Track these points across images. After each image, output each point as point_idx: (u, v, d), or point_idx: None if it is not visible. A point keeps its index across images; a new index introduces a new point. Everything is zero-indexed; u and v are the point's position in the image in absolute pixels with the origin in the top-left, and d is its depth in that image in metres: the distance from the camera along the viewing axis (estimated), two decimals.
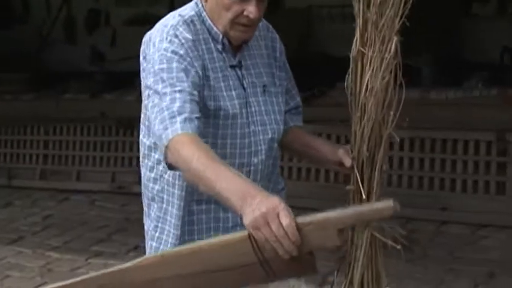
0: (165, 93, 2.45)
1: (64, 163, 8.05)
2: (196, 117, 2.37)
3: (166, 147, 2.34)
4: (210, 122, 2.53)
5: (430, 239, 5.81)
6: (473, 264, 5.26)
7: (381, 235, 2.42)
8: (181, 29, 2.53)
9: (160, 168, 2.64)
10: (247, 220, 2.10)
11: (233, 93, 2.56)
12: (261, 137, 2.61)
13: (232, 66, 2.59)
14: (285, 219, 2.06)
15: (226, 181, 2.19)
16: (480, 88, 6.77)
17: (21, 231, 6.68)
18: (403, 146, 6.51)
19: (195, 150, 2.28)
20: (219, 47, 2.56)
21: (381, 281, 2.47)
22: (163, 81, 2.48)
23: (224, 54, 2.57)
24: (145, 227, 2.91)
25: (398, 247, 2.43)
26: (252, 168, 2.59)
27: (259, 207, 2.08)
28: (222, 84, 2.55)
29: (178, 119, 2.35)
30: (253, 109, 2.60)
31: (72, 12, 9.44)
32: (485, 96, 6.59)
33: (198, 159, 2.25)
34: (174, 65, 2.47)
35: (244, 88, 2.59)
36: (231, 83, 2.56)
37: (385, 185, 6.37)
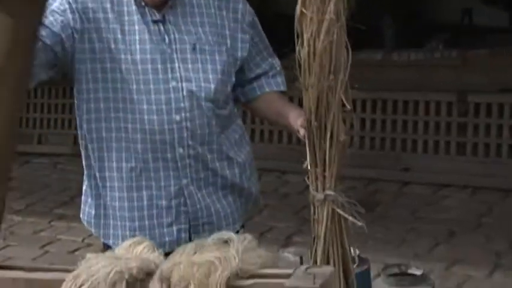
0: None
1: (25, 125, 7.99)
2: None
3: None
4: (124, 78, 2.56)
5: (392, 200, 5.88)
6: (434, 223, 5.34)
7: (342, 210, 2.39)
8: None
9: None
10: None
11: (147, 47, 2.57)
12: (184, 94, 2.58)
13: (155, 22, 2.59)
14: None
15: None
16: (441, 50, 6.82)
17: None
18: (365, 108, 6.56)
19: None
20: (138, 2, 2.59)
21: (347, 256, 2.48)
22: None
23: (147, 9, 2.58)
24: None
25: (360, 224, 2.40)
26: (175, 125, 2.57)
27: None
28: (137, 37, 2.57)
29: None
30: (176, 65, 2.58)
31: None
32: (446, 58, 6.64)
33: None
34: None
35: (166, 44, 2.58)
36: (147, 37, 2.57)
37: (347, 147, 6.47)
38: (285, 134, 6.77)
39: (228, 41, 2.66)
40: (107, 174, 2.73)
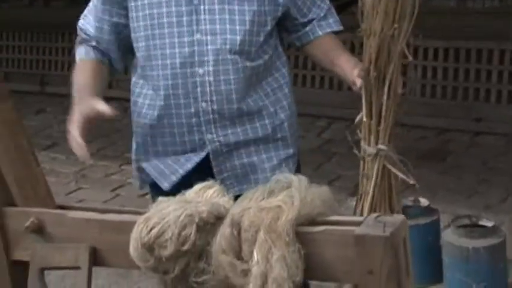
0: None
1: None
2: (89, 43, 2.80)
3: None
4: (148, 32, 2.57)
5: (463, 150, 5.81)
6: (506, 174, 5.27)
7: (394, 167, 2.34)
8: None
9: None
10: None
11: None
12: (208, 47, 2.54)
13: None
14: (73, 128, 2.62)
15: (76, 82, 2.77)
16: None
17: (54, 138, 6.77)
18: (437, 56, 6.45)
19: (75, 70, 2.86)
20: None
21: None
22: None
23: None
24: None
25: (411, 182, 2.35)
26: (198, 79, 2.55)
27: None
28: None
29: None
30: (202, 17, 2.54)
31: None
32: None
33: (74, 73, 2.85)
34: None
35: None
36: None
37: (419, 95, 6.40)
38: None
39: None
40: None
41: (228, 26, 2.53)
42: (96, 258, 2.29)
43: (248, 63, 2.57)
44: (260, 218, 1.96)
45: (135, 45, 2.64)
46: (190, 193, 2.18)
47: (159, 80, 2.60)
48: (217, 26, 2.53)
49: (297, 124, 2.80)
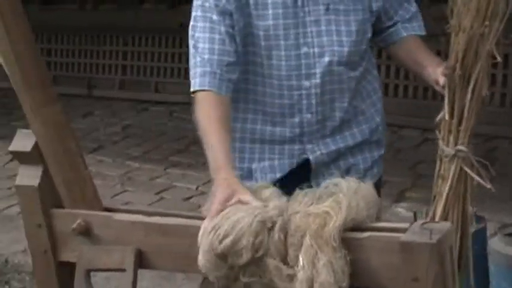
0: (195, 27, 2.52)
1: (143, 74, 8.13)
2: (216, 72, 2.42)
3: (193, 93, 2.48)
4: (254, 42, 2.50)
5: (510, 158, 5.74)
6: None
7: (472, 169, 2.28)
8: None
9: None
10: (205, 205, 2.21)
11: (280, 11, 2.47)
12: (316, 59, 2.50)
13: None
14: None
15: (209, 152, 2.33)
16: None
17: (101, 141, 6.83)
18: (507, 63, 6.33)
19: (203, 115, 2.44)
20: None
21: (466, 218, 2.36)
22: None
23: None
24: None
25: (489, 186, 2.31)
26: (304, 92, 2.52)
27: (220, 185, 2.19)
28: (269, 0, 2.47)
29: (199, 72, 2.44)
30: (308, 29, 2.49)
31: None
32: None
33: (203, 123, 2.43)
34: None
35: (298, 6, 2.48)
36: (279, 0, 2.46)
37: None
38: (400, 89, 6.68)
39: None
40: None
41: (335, 38, 2.50)
42: (141, 261, 2.30)
43: (352, 73, 2.55)
44: (306, 223, 1.96)
45: (251, 58, 2.54)
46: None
47: (265, 87, 2.55)
48: (324, 38, 2.49)
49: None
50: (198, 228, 2.18)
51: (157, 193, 5.68)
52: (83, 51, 8.51)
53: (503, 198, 4.97)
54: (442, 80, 2.31)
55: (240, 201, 2.12)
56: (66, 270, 2.40)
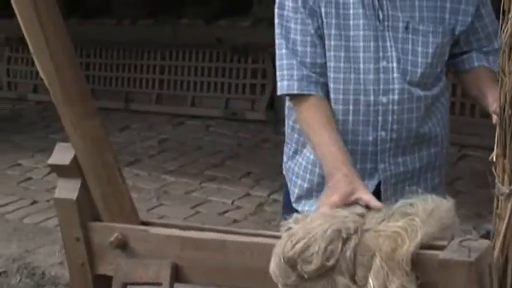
0: (281, 25, 2.50)
1: (179, 88, 8.16)
2: (311, 75, 2.45)
3: (286, 96, 2.54)
4: (336, 55, 2.46)
5: None
6: None
7: None
8: None
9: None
10: (319, 200, 2.27)
11: (361, 22, 2.43)
12: (395, 75, 2.45)
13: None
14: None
15: (322, 149, 2.36)
16: None
17: (138, 154, 6.85)
18: None
19: (308, 117, 2.45)
20: None
21: None
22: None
23: None
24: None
25: None
26: (381, 107, 2.46)
27: (335, 188, 2.21)
28: (351, 11, 2.44)
29: (297, 74, 2.45)
30: (388, 44, 2.44)
31: None
32: None
33: (310, 125, 2.43)
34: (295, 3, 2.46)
35: (379, 20, 2.43)
36: (361, 11, 2.43)
37: None
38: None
39: (447, 16, 2.46)
40: None
41: (410, 57, 2.45)
42: (177, 275, 2.31)
43: (425, 93, 2.50)
44: (377, 244, 1.93)
45: (333, 64, 2.50)
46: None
47: (338, 104, 2.50)
48: (401, 55, 2.45)
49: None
50: (233, 242, 2.18)
51: (193, 207, 5.68)
52: (120, 66, 8.56)
53: None
54: (494, 118, 2.25)
55: (359, 199, 2.14)
56: (103, 283, 2.41)
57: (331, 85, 2.49)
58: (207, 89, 8.00)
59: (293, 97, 2.51)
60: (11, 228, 5.55)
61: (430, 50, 2.45)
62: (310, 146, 2.47)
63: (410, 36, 2.44)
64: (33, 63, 2.31)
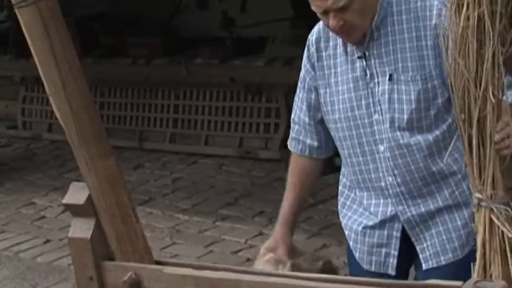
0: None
1: (193, 127, 8.18)
2: (299, 138, 2.89)
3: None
4: (334, 117, 2.74)
5: None
6: None
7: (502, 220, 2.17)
8: (315, 36, 2.78)
9: None
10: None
11: (351, 85, 2.68)
12: (387, 125, 2.64)
13: (360, 57, 2.66)
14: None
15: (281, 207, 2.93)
16: None
17: (151, 193, 6.86)
18: None
19: (290, 172, 2.94)
20: (342, 41, 2.69)
21: (510, 277, 2.20)
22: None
23: (349, 48, 2.68)
24: None
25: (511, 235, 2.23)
26: (381, 155, 2.67)
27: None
28: (340, 78, 2.70)
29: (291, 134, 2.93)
30: (376, 99, 2.65)
31: None
32: None
33: (288, 178, 2.95)
34: (302, 76, 2.86)
35: (366, 76, 2.65)
36: (350, 75, 2.68)
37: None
38: None
39: (426, 62, 2.59)
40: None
41: (396, 105, 2.62)
42: None
43: (420, 137, 2.63)
44: None
45: (331, 125, 2.80)
46: None
47: (352, 157, 2.75)
48: (387, 106, 2.63)
49: None
50: (247, 282, 2.18)
51: (206, 246, 5.68)
52: (135, 105, 8.59)
53: None
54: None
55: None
56: None
57: (339, 143, 2.79)
58: (221, 128, 8.02)
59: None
60: (24, 267, 5.55)
61: (413, 97, 2.60)
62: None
63: (395, 86, 2.62)
64: (48, 103, 2.33)
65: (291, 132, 2.93)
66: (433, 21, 2.57)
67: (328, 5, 2.51)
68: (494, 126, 2.19)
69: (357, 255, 2.87)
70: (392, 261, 2.78)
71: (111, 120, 8.64)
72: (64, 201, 2.41)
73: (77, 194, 2.39)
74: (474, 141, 2.20)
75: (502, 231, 2.20)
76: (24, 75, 8.98)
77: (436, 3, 2.58)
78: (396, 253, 2.77)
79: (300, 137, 2.88)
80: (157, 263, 2.43)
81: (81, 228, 2.41)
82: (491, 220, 2.20)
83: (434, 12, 2.57)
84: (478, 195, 2.22)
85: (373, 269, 2.82)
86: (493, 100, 2.15)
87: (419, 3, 2.61)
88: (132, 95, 8.61)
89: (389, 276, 2.78)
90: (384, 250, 2.78)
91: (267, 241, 2.85)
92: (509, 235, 2.18)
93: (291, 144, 2.92)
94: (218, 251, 5.57)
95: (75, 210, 2.41)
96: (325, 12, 2.55)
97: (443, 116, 2.64)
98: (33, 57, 2.22)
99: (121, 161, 6.97)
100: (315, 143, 2.85)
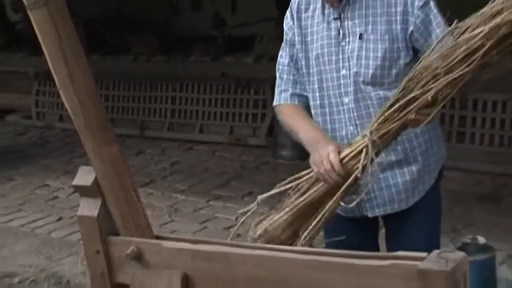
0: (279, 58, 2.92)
1: (189, 117, 8.17)
2: (288, 90, 2.86)
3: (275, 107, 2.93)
4: (309, 71, 2.78)
5: None
6: None
7: None
8: (297, 0, 2.84)
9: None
10: (310, 158, 2.59)
11: (325, 42, 2.72)
12: (351, 80, 2.68)
13: (335, 18, 2.71)
14: (331, 154, 2.51)
15: (303, 132, 2.72)
16: None
17: (152, 176, 6.85)
18: (495, 108, 6.32)
19: (285, 116, 2.85)
20: (321, 4, 2.75)
21: None
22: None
23: (327, 9, 2.73)
24: None
25: None
26: (345, 107, 2.71)
27: (317, 149, 2.56)
28: (315, 36, 2.76)
29: (277, 91, 2.90)
30: (346, 55, 2.69)
31: None
32: None
33: (290, 120, 2.82)
34: (285, 35, 2.89)
35: (339, 36, 2.70)
36: (324, 33, 2.73)
37: (477, 144, 6.27)
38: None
39: (394, 26, 2.65)
40: None
41: (363, 61, 2.66)
42: (187, 284, 2.30)
43: (382, 92, 2.67)
44: None
45: (306, 79, 2.83)
46: None
47: (317, 108, 2.80)
48: (356, 61, 2.67)
49: (436, 143, 2.83)
50: (237, 255, 2.18)
51: (201, 223, 5.68)
52: (136, 97, 8.57)
53: (511, 230, 4.91)
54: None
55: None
56: None
57: (311, 94, 2.81)
58: (214, 117, 8.01)
59: (277, 106, 2.90)
60: (39, 242, 5.54)
61: (379, 54, 2.65)
62: (294, 132, 2.78)
63: (363, 44, 2.66)
64: (58, 96, 2.32)
65: (276, 89, 2.90)
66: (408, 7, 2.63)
67: None
68: (418, 107, 2.39)
69: None
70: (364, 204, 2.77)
71: (115, 111, 8.62)
72: (73, 183, 2.41)
73: (84, 176, 2.39)
74: (398, 103, 2.43)
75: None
76: (37, 70, 8.94)
77: None
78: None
79: (282, 88, 2.87)
80: (157, 237, 2.43)
81: (89, 207, 2.40)
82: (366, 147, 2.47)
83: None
84: (369, 131, 2.48)
85: (344, 214, 2.80)
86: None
87: None
88: (134, 88, 8.59)
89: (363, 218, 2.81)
90: (354, 196, 2.67)
91: (322, 149, 2.59)
92: (364, 162, 2.49)
93: (278, 98, 2.88)
94: (211, 227, 5.57)
95: (83, 191, 2.40)
96: None
97: (403, 78, 2.61)
98: (44, 55, 2.21)
99: (124, 148, 6.97)
100: (297, 91, 2.85)
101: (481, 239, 3.99)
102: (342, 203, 2.60)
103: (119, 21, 9.30)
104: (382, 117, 2.47)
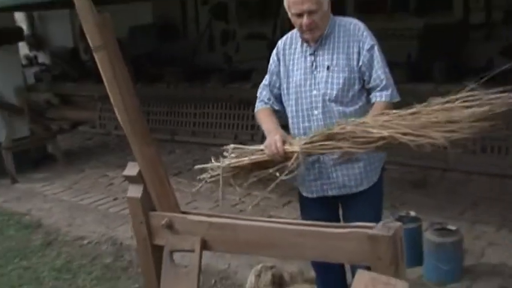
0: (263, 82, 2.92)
1: (206, 127, 8.14)
2: (264, 100, 2.86)
3: (255, 112, 2.92)
4: (289, 92, 2.76)
5: (436, 181, 5.65)
6: (467, 196, 5.10)
7: None
8: (283, 40, 2.83)
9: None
10: (265, 142, 2.58)
11: (301, 71, 2.70)
12: (320, 98, 2.67)
13: (311, 54, 2.70)
14: (278, 142, 2.52)
15: (264, 124, 2.76)
16: None
17: (180, 168, 6.82)
18: None
19: (259, 115, 2.86)
20: (300, 45, 2.73)
21: None
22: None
23: (305, 48, 2.72)
24: None
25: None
26: (315, 116, 2.69)
27: (270, 136, 2.58)
28: (295, 67, 2.73)
29: (258, 101, 2.90)
30: (317, 80, 2.67)
31: (212, 32, 9.48)
32: None
33: (260, 117, 2.84)
34: (270, 66, 2.86)
35: (313, 67, 2.68)
36: (302, 65, 2.70)
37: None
38: None
39: (351, 63, 2.65)
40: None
41: (329, 85, 2.65)
42: (204, 245, 2.29)
43: (342, 108, 2.67)
44: None
45: (286, 97, 2.80)
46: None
47: (294, 117, 2.76)
48: (323, 85, 2.66)
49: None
50: (242, 225, 2.16)
51: (215, 202, 5.65)
52: (168, 113, 8.55)
53: (432, 206, 4.90)
54: None
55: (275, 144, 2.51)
56: (158, 250, 2.40)
57: (289, 108, 2.77)
58: (223, 127, 7.98)
59: (256, 111, 2.90)
60: (101, 215, 5.53)
61: (341, 80, 2.65)
62: (260, 124, 2.81)
63: (330, 73, 2.66)
64: (114, 112, 2.31)
65: (257, 101, 2.92)
66: (359, 38, 2.66)
67: (304, 8, 2.58)
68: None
69: (304, 189, 2.85)
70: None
71: (153, 123, 8.60)
72: (124, 173, 2.40)
73: (132, 169, 2.38)
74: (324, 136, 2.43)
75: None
76: (100, 94, 8.91)
77: (362, 26, 2.69)
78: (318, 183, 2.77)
79: (260, 99, 2.89)
80: (183, 212, 2.42)
81: (135, 191, 2.39)
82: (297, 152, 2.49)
83: (361, 33, 2.66)
84: (303, 142, 2.49)
85: (314, 195, 2.80)
86: None
87: (351, 26, 2.69)
88: (167, 106, 8.57)
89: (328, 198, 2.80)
90: (319, 182, 2.76)
91: (273, 136, 2.61)
92: (293, 161, 2.49)
93: (257, 106, 2.90)
94: (222, 205, 5.54)
95: (130, 179, 2.39)
96: (300, 15, 2.60)
97: (357, 99, 2.69)
98: (104, 83, 2.20)
99: (160, 149, 6.92)
100: (270, 102, 2.85)
101: (412, 213, 3.99)
102: (284, 176, 2.58)
103: (157, 58, 9.29)
104: (315, 137, 2.47)
